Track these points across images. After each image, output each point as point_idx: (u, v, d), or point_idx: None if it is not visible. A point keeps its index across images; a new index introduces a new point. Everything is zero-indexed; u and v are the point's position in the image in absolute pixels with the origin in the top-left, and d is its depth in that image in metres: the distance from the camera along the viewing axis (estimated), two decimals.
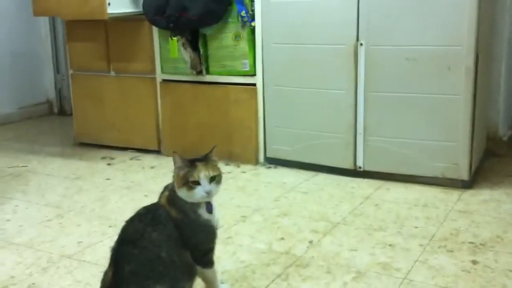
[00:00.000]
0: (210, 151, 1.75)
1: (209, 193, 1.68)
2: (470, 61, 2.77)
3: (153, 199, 1.77)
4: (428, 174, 2.98)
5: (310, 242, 2.32)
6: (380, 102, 3.00)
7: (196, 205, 1.71)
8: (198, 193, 1.67)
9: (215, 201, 1.78)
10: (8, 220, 2.64)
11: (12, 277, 2.07)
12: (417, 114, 2.94)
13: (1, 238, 2.43)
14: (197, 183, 1.67)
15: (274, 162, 3.44)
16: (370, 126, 3.06)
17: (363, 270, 2.06)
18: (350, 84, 3.06)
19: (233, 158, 3.50)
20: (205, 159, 1.73)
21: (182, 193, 1.69)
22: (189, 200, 1.69)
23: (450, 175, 2.93)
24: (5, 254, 2.27)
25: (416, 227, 2.45)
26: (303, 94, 3.23)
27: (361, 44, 2.98)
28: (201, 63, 3.47)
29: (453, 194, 2.84)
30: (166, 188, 1.77)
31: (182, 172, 1.69)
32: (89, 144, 4.02)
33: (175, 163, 1.71)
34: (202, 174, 1.67)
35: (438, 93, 2.87)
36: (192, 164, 1.70)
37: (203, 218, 1.72)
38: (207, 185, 1.68)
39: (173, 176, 1.72)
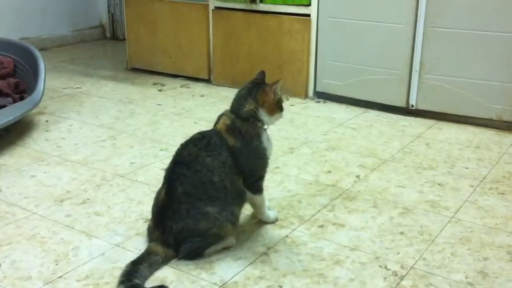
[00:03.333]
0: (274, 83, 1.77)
1: None
2: None
3: (202, 126, 1.81)
4: (483, 116, 2.89)
5: (358, 176, 2.32)
6: (440, 38, 2.89)
7: (262, 132, 1.77)
8: (282, 116, 1.82)
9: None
10: (64, 139, 2.73)
11: (68, 191, 2.16)
12: (478, 52, 2.82)
13: (57, 155, 2.53)
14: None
15: (324, 96, 3.40)
16: (427, 63, 2.96)
17: (410, 206, 2.06)
18: (410, 17, 2.94)
19: (282, 90, 3.46)
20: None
21: (276, 117, 1.78)
22: (272, 123, 1.80)
23: (506, 117, 2.83)
24: (61, 170, 2.37)
25: (467, 168, 2.41)
26: (358, 27, 3.14)
27: None
28: None
29: (508, 137, 2.76)
30: (222, 116, 1.79)
31: (277, 97, 1.77)
32: (141, 70, 4.07)
33: (278, 89, 1.75)
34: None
35: (504, 31, 2.73)
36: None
37: (263, 146, 1.77)
38: None
39: (253, 103, 1.74)
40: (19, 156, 2.50)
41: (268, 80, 1.83)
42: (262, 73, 1.83)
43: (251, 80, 1.82)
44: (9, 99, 2.88)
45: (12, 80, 3.03)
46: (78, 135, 2.79)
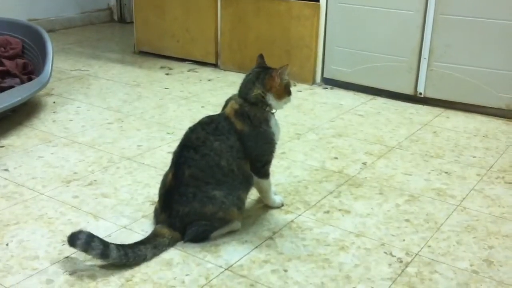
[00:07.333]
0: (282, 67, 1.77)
1: None
2: None
3: (209, 110, 1.80)
4: (492, 105, 2.88)
5: (364, 163, 2.32)
6: (450, 25, 2.87)
7: (270, 117, 1.77)
8: (290, 100, 1.82)
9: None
10: (71, 120, 2.74)
11: (75, 173, 2.17)
12: (488, 40, 2.79)
13: (65, 136, 2.53)
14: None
15: (331, 83, 3.39)
16: (436, 51, 2.94)
17: (416, 194, 2.05)
18: (420, 4, 2.91)
19: (289, 76, 3.45)
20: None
21: (284, 101, 1.79)
22: (280, 108, 1.80)
23: None
24: (68, 151, 2.38)
25: (474, 157, 2.40)
26: (368, 13, 3.11)
27: None
28: None
29: None
30: (230, 100, 1.79)
31: (285, 82, 1.77)
32: (148, 53, 4.06)
33: (284, 74, 1.75)
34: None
35: None
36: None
37: (271, 130, 1.77)
38: None
39: (260, 87, 1.74)
40: (26, 137, 2.51)
41: (275, 65, 1.82)
42: (261, 56, 1.85)
43: (258, 65, 1.82)
44: (17, 80, 2.89)
45: (20, 61, 3.03)
46: (85, 117, 2.80)
